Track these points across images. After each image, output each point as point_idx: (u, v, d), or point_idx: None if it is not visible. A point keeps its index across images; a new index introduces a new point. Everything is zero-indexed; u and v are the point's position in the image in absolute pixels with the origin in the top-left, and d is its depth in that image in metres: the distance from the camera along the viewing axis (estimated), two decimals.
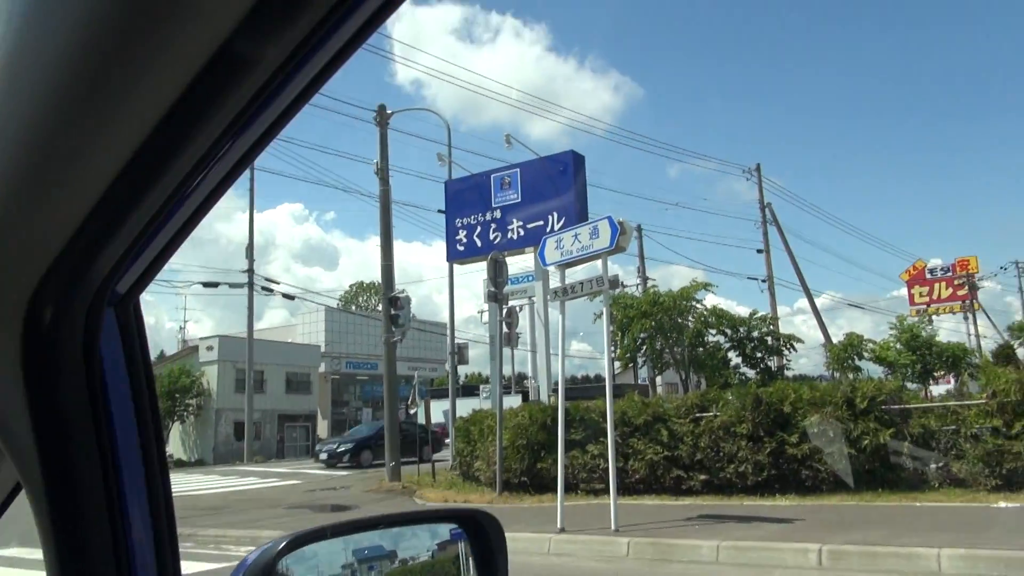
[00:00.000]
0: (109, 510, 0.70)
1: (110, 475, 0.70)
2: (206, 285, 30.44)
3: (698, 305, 22.84)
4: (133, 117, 0.54)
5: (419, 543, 1.35)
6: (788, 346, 23.86)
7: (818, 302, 41.59)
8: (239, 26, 0.50)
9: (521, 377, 29.72)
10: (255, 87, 0.54)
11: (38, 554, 0.72)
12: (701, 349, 22.83)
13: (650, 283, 33.02)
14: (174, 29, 0.50)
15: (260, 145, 0.62)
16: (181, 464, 33.79)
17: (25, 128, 0.56)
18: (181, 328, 47.11)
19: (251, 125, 0.58)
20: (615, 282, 13.10)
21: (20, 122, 0.56)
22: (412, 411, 18.71)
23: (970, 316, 39.24)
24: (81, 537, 0.69)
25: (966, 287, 38.78)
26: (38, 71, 0.53)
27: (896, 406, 11.54)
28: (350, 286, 69.47)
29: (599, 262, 10.17)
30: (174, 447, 36.61)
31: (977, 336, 38.79)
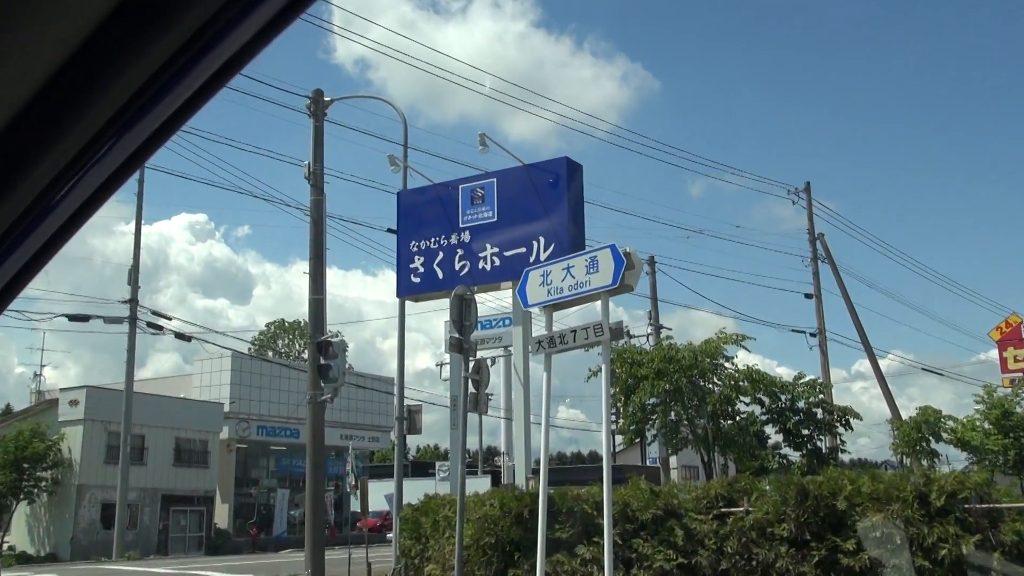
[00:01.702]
0: None
1: None
2: (72, 319, 29.76)
3: (727, 364, 23.00)
4: None
5: None
6: (844, 422, 24.05)
7: (884, 364, 41.92)
8: None
9: (491, 453, 30.25)
10: (151, 68, 0.54)
11: None
12: (730, 422, 22.97)
13: (664, 333, 32.86)
14: None
15: (156, 141, 0.63)
16: (26, 560, 33.07)
17: None
18: (36, 375, 46.49)
19: (144, 116, 0.58)
20: (618, 331, 12.98)
21: None
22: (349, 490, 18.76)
23: None
24: None
25: None
26: None
27: (983, 505, 11.52)
28: (267, 325, 69.95)
29: (598, 304, 10.57)
30: (17, 536, 35.84)
31: None
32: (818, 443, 23.62)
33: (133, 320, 30.23)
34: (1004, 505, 11.55)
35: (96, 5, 0.51)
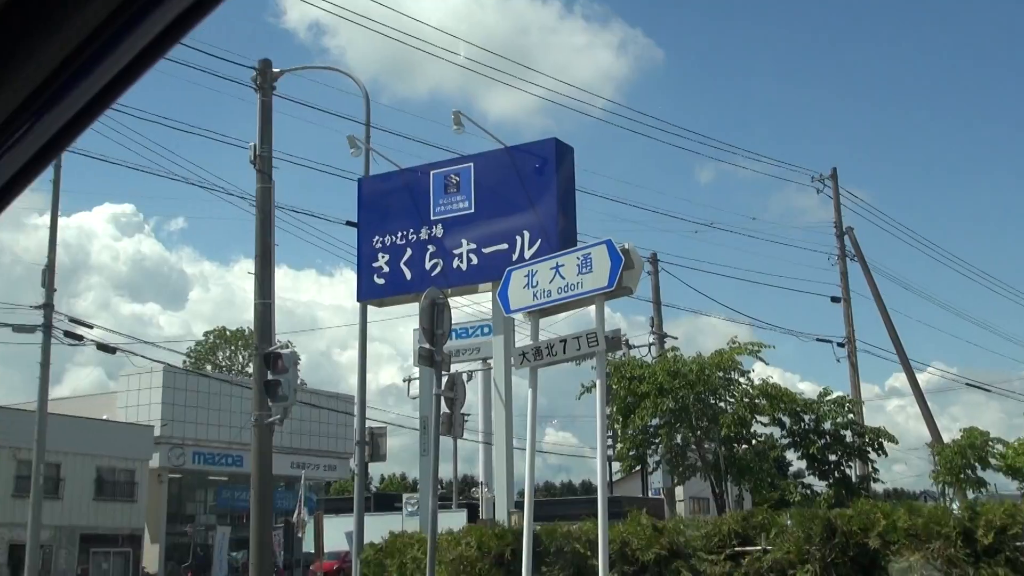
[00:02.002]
0: None
1: None
2: None
3: (741, 379, 23.10)
4: None
5: None
6: (876, 446, 24.15)
7: (922, 379, 41.90)
8: None
9: (467, 483, 30.21)
10: (72, 42, 0.57)
11: None
12: (745, 446, 23.07)
13: (669, 343, 32.83)
14: None
15: (78, 124, 0.64)
16: None
17: None
18: None
19: (65, 96, 0.60)
20: (615, 341, 13.35)
21: None
22: (299, 534, 18.69)
23: None
24: None
25: None
26: None
27: None
28: (205, 335, 69.00)
29: (591, 309, 10.61)
30: None
31: None
32: (847, 471, 23.71)
33: (48, 328, 29.95)
34: None
35: None
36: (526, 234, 18.64)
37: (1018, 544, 11.51)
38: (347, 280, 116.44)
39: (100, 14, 0.57)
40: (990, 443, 26.88)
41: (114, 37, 0.58)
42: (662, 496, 29.88)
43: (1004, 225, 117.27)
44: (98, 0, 0.57)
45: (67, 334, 30.30)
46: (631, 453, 24.39)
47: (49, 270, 30.51)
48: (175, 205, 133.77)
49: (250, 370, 48.22)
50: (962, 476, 26.12)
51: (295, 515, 19.16)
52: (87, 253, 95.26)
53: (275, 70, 20.18)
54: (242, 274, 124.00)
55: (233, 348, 66.92)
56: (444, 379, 15.48)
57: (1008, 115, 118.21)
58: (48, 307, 29.94)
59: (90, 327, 31.20)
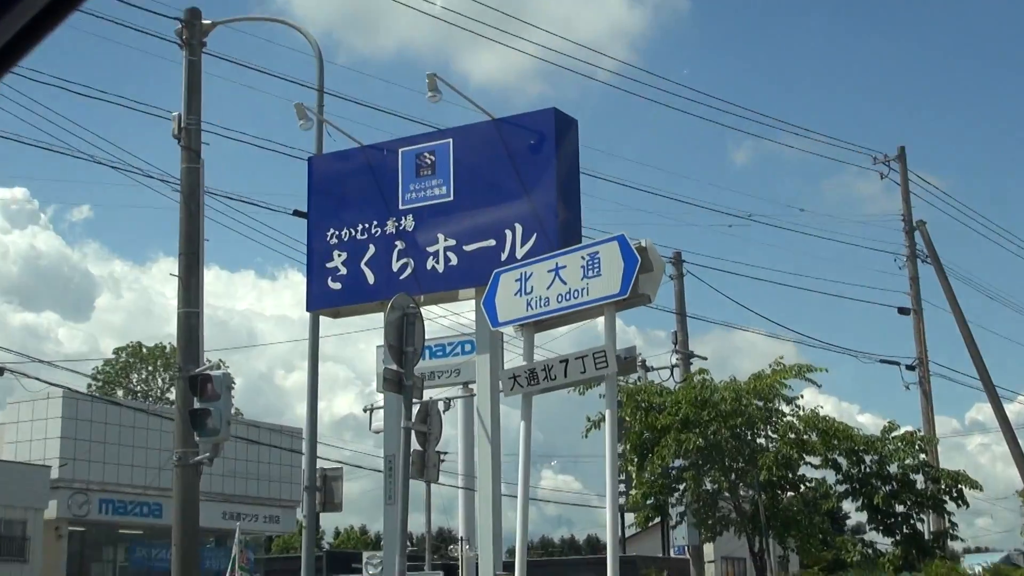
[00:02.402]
0: None
1: None
2: None
3: (786, 409, 23.18)
4: None
5: None
6: (955, 494, 24.04)
7: (1012, 410, 41.48)
8: None
9: (444, 539, 30.22)
10: None
11: None
12: (791, 494, 23.17)
13: (697, 364, 31.94)
14: None
15: None
16: None
17: None
18: None
19: None
20: (630, 361, 13.22)
21: None
22: None
23: None
24: None
25: None
26: None
27: None
28: (115, 352, 67.90)
29: (599, 321, 11.26)
30: None
31: None
32: (918, 525, 23.76)
33: None
34: None
35: None
36: (518, 228, 18.64)
37: None
38: (294, 285, 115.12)
39: None
40: None
41: None
42: (687, 555, 29.40)
43: None
44: None
45: None
46: (649, 502, 24.35)
47: None
48: (79, 190, 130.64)
49: (172, 396, 47.45)
50: None
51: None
52: None
53: (205, 22, 20.06)
54: (163, 276, 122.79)
55: (151, 369, 65.88)
56: (415, 409, 15.58)
57: None
58: None
59: None
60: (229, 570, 19.80)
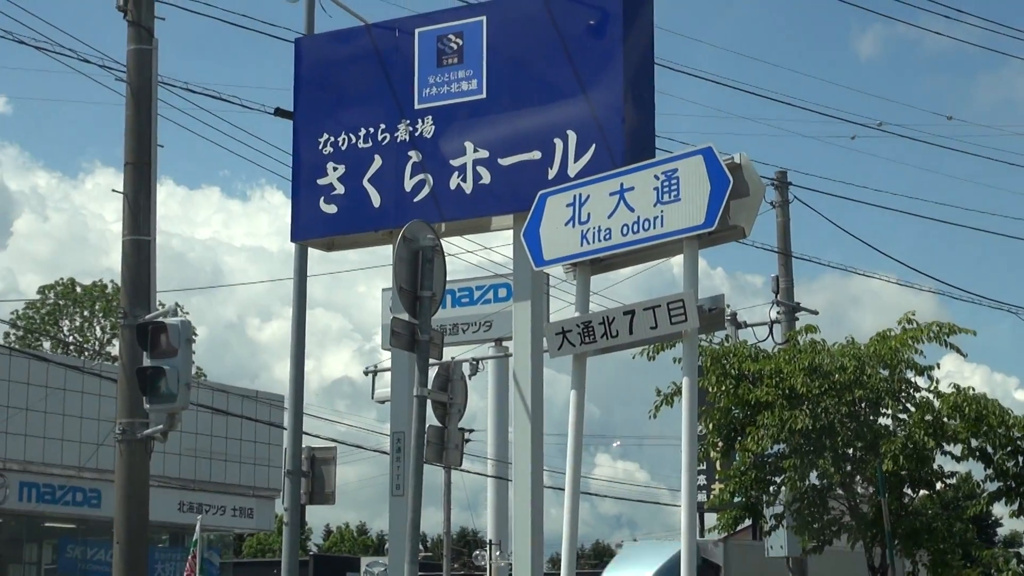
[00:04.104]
0: None
1: None
2: None
3: (920, 382, 19.55)
4: None
5: None
6: None
7: None
8: None
9: (467, 541, 29.17)
10: None
11: None
12: (924, 492, 20.07)
13: (805, 320, 28.17)
14: None
15: None
16: None
17: None
18: None
19: None
20: (717, 314, 11.40)
21: None
22: None
23: None
24: None
25: None
26: None
27: None
28: (40, 291, 56.49)
29: (676, 261, 10.10)
30: None
31: None
32: None
33: None
34: None
35: None
36: (571, 136, 15.33)
37: None
38: (274, 207, 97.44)
39: None
40: None
41: None
42: (787, 567, 26.58)
43: None
44: None
45: None
46: (737, 499, 20.95)
47: None
48: None
49: (114, 351, 39.62)
50: None
51: None
52: None
53: None
54: (102, 192, 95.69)
55: (87, 314, 55.04)
56: (433, 372, 14.00)
57: None
58: None
59: None
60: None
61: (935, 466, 19.55)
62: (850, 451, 19.19)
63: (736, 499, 20.99)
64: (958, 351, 19.93)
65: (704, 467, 24.10)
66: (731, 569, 23.99)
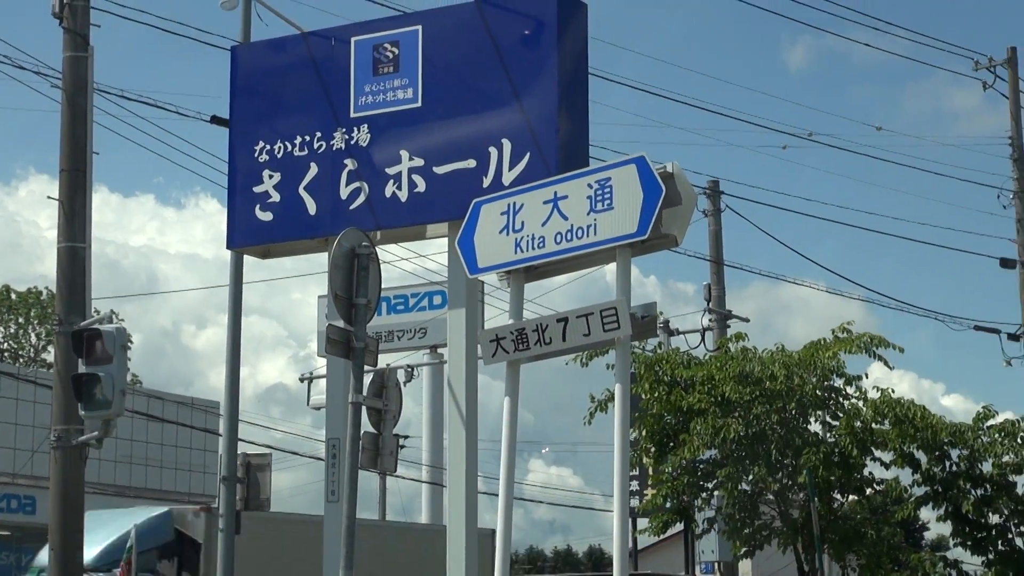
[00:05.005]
0: None
1: None
2: None
3: (851, 390, 19.19)
4: None
5: None
6: None
7: None
8: None
9: None
10: None
11: None
12: (854, 498, 19.64)
13: (736, 328, 27.44)
14: None
15: None
16: None
17: None
18: None
19: None
20: (649, 322, 10.89)
21: None
22: None
23: None
24: None
25: None
26: None
27: None
28: None
29: (609, 269, 10.03)
30: None
31: None
32: (1018, 540, 20.21)
33: None
34: None
35: None
36: (506, 144, 14.64)
37: None
38: (208, 215, 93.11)
39: None
40: None
41: None
42: (717, 574, 26.46)
43: None
44: None
45: None
46: (669, 505, 20.36)
47: None
48: None
49: (49, 357, 37.93)
50: None
51: None
52: None
53: None
54: (36, 199, 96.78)
55: (20, 321, 53.53)
56: (368, 379, 13.29)
57: None
58: None
59: None
60: None
61: (866, 473, 19.27)
62: (782, 458, 18.67)
63: (668, 504, 20.35)
64: (885, 363, 19.39)
65: (637, 472, 23.37)
66: (213, 544, 22.50)
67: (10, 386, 33.50)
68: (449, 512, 15.73)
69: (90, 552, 21.17)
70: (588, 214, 9.48)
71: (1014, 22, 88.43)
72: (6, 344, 49.59)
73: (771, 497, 19.31)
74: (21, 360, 46.33)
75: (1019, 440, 19.49)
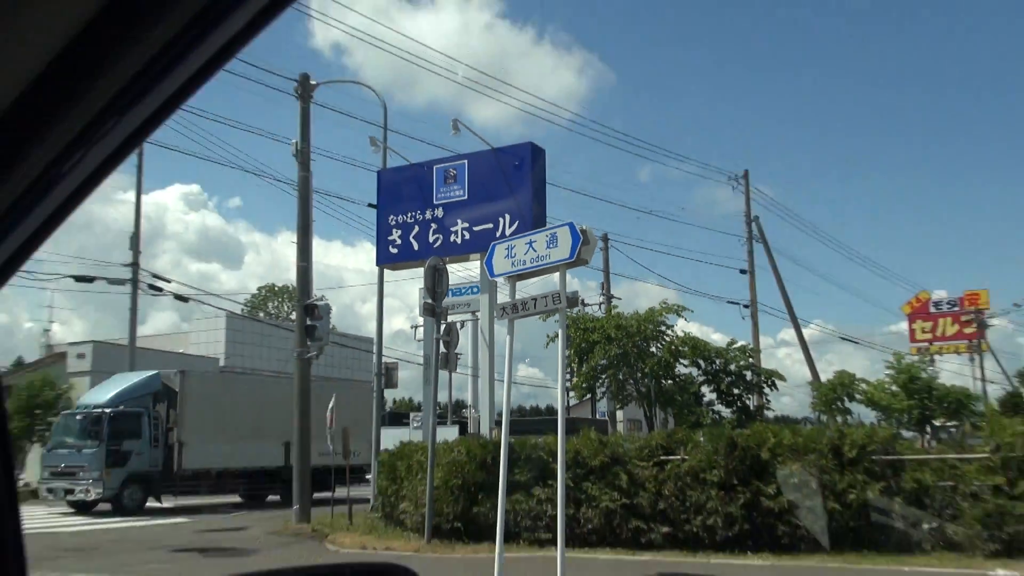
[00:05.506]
0: None
1: None
2: (78, 280, 29.21)
3: (668, 331, 23.17)
4: (7, 65, 0.53)
5: None
6: (769, 383, 24.36)
7: (806, 333, 41.75)
8: None
9: (459, 405, 29.03)
10: (152, 49, 0.53)
11: None
12: (670, 382, 23.11)
13: (615, 304, 32.43)
14: None
15: (155, 121, 0.61)
16: (39, 495, 32.61)
17: None
18: (45, 330, 45.25)
19: (146, 96, 0.56)
20: (574, 300, 12.07)
21: None
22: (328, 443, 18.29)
23: (976, 358, 40.56)
24: None
25: (974, 324, 40.07)
26: None
27: (888, 457, 11.92)
28: (258, 289, 67.24)
29: (556, 276, 10.23)
30: (32, 474, 35.04)
31: (983, 381, 39.92)
32: (747, 401, 23.66)
33: (135, 282, 29.91)
34: (906, 457, 12.02)
35: None
36: (507, 216, 18.46)
37: (874, 457, 11.89)
38: (366, 249, 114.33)
39: (170, 31, 0.54)
40: (856, 383, 27.14)
41: (184, 50, 0.56)
42: (607, 418, 29.50)
43: (876, 216, 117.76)
44: (169, 21, 0.53)
45: (150, 287, 30.27)
46: (584, 385, 24.18)
47: (135, 236, 30.42)
48: (232, 187, 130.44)
49: (293, 317, 45.78)
50: (834, 407, 26.38)
51: (328, 426, 18.44)
52: (163, 223, 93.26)
53: (312, 82, 19.53)
54: (286, 242, 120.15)
55: (280, 300, 64.93)
56: (442, 327, 15.56)
57: (873, 128, 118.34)
58: (135, 265, 29.92)
59: (168, 281, 31.08)
60: (329, 422, 19.09)
61: (676, 370, 23.12)
62: (636, 364, 22.54)
63: (584, 385, 24.10)
64: (684, 319, 23.32)
65: (570, 371, 23.81)
66: (187, 391, 22.83)
67: (276, 331, 41.45)
68: (480, 390, 19.37)
69: (106, 396, 22.31)
70: (546, 248, 10.01)
71: (748, 153, 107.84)
72: (273, 311, 59.88)
73: (632, 381, 23.19)
74: (280, 319, 55.14)
75: (747, 355, 24.02)
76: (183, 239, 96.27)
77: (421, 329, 22.29)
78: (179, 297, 30.99)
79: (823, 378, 29.50)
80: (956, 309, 41.11)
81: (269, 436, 23.26)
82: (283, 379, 26.29)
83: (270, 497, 24.43)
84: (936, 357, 37.03)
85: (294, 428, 18.48)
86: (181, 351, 42.04)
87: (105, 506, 21.75)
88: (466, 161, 19.56)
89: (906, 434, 22.63)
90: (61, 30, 0.51)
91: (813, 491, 11.77)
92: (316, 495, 18.86)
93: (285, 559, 12.52)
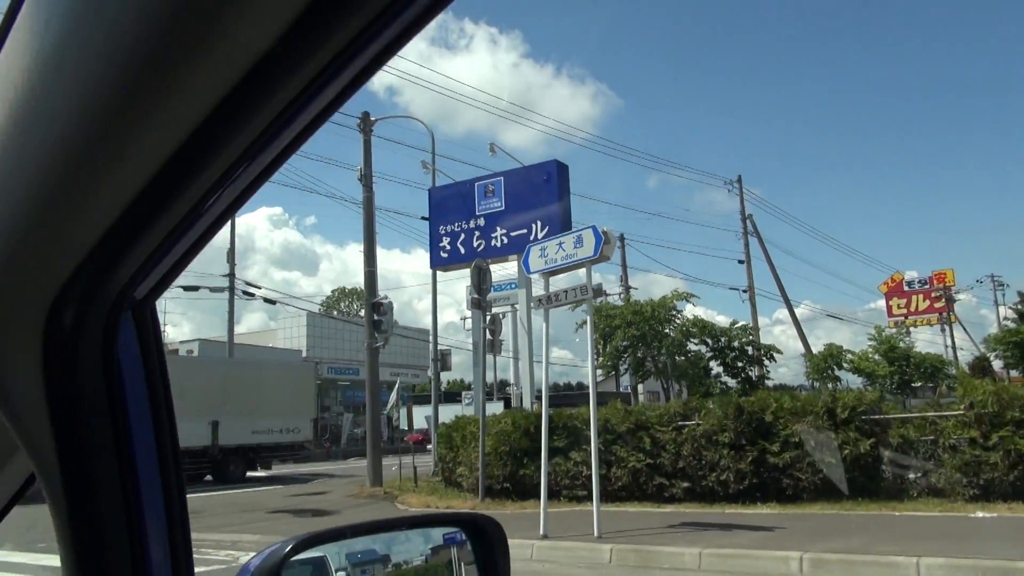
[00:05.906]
0: (125, 505, 0.71)
1: (126, 471, 0.71)
2: (186, 289, 29.74)
3: (678, 315, 23.01)
4: (168, 126, 0.54)
5: (412, 548, 1.35)
6: (768, 356, 23.96)
7: (797, 312, 41.46)
8: (284, 35, 0.48)
9: (503, 384, 29.25)
10: (288, 98, 0.54)
11: (30, 558, 0.70)
12: (682, 358, 22.98)
13: (633, 293, 32.09)
14: (217, 34, 0.48)
15: (282, 158, 0.61)
16: None
17: (62, 132, 0.56)
18: (162, 332, 46.19)
19: (277, 137, 0.58)
20: (599, 291, 12.63)
21: (58, 126, 0.56)
22: (395, 420, 18.26)
23: (947, 328, 39.68)
24: (96, 531, 0.70)
25: (943, 299, 39.23)
26: (79, 75, 0.53)
27: (875, 416, 11.58)
28: (332, 291, 67.65)
29: (582, 271, 10.00)
30: None
31: (954, 348, 39.01)
32: (749, 373, 23.40)
33: (232, 289, 30.29)
34: (891, 416, 11.70)
35: (223, 73, 0.51)
36: (539, 223, 18.30)
37: (863, 417, 11.54)
38: (420, 255, 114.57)
39: (312, 72, 0.52)
40: (843, 353, 26.82)
41: (315, 91, 0.54)
42: (629, 391, 29.48)
43: (855, 206, 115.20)
44: (315, 60, 0.51)
45: (244, 292, 30.59)
46: (609, 364, 24.12)
47: (231, 251, 30.76)
48: (308, 207, 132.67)
49: (363, 314, 46.28)
50: (825, 375, 26.16)
51: (391, 405, 18.99)
52: (252, 240, 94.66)
53: (372, 119, 19.56)
54: (354, 252, 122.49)
55: (350, 300, 65.02)
56: (488, 318, 16.18)
57: (855, 129, 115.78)
58: (231, 275, 30.21)
59: (258, 288, 31.41)
60: (393, 402, 19.11)
61: (687, 348, 23.03)
62: (653, 343, 22.35)
63: (609, 364, 23.97)
64: (691, 304, 23.39)
65: (596, 351, 21.70)
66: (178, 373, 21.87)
67: (348, 326, 41.73)
68: (522, 371, 19.38)
69: None
70: (574, 248, 10.00)
71: (742, 160, 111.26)
72: (345, 310, 59.96)
73: (649, 359, 23.06)
74: (352, 315, 55.34)
75: (747, 333, 23.71)
76: (269, 252, 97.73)
77: (469, 320, 22.18)
78: (267, 300, 31.47)
79: (814, 350, 29.18)
80: (927, 287, 40.11)
81: (195, 416, 20.21)
82: (204, 359, 25.17)
83: (207, 477, 21.18)
84: (911, 329, 36.19)
85: (366, 405, 18.37)
86: (271, 346, 42.29)
87: None
88: (502, 178, 19.45)
89: (888, 397, 21.99)
90: (241, 59, 0.51)
91: (813, 447, 11.42)
92: (249, 473, 19.06)
93: (366, 516, 12.43)
